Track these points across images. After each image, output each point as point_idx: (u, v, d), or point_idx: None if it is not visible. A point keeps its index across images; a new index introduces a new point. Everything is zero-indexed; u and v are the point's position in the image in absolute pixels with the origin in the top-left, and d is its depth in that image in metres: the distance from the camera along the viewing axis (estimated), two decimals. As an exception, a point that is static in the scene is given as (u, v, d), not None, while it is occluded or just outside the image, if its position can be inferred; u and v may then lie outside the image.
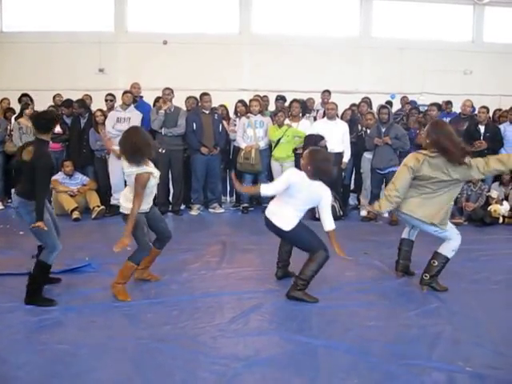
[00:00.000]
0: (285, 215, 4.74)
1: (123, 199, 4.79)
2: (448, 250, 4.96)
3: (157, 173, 4.77)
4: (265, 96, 10.28)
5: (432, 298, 4.83)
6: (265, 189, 4.75)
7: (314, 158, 4.64)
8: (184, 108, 8.92)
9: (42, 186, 4.49)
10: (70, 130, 8.84)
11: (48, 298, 4.63)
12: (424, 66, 16.22)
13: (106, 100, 8.87)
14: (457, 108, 10.11)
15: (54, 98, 9.96)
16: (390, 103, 10.85)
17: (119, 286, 4.73)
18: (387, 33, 17.22)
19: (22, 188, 4.58)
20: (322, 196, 4.68)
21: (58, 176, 8.40)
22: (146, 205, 4.78)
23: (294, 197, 4.66)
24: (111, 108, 8.72)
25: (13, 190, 4.70)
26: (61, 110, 9.10)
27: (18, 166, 4.68)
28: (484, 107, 8.86)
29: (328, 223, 4.77)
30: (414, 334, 4.05)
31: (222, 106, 9.72)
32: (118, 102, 8.82)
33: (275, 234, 4.93)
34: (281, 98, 10.00)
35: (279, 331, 4.08)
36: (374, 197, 8.25)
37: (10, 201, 9.05)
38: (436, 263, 4.96)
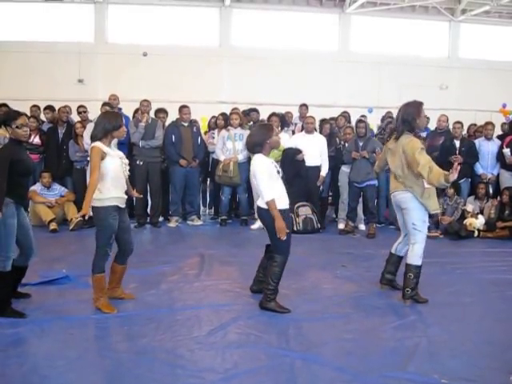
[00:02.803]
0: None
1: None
2: (416, 258, 5.01)
3: (117, 157, 4.72)
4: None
5: (408, 310, 4.88)
6: (269, 196, 4.67)
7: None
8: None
9: None
10: (48, 140, 8.80)
11: (18, 311, 4.54)
12: (401, 80, 16.48)
13: (80, 112, 8.84)
14: (433, 123, 10.25)
15: (31, 108, 9.84)
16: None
17: (100, 299, 4.70)
18: (365, 47, 17.51)
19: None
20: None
21: (36, 187, 8.35)
22: (117, 192, 4.69)
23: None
24: (86, 119, 8.70)
25: None
26: (44, 113, 9.21)
27: None
28: (458, 122, 9.01)
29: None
30: (391, 346, 4.08)
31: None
32: (97, 112, 8.79)
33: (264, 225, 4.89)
34: (254, 110, 9.99)
35: (257, 344, 4.08)
36: (352, 210, 8.34)
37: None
38: (412, 275, 5.02)
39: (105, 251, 4.69)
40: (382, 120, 10.65)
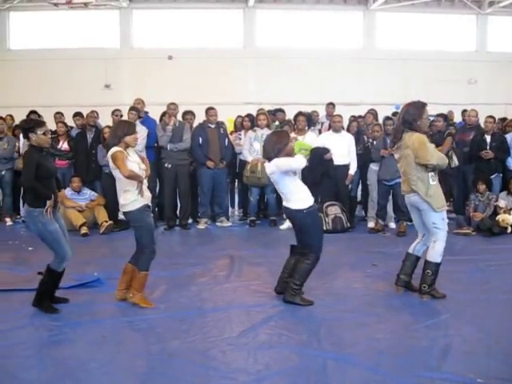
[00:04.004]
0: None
1: (120, 199, 4.84)
2: (436, 255, 4.97)
3: (135, 162, 4.81)
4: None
5: (441, 309, 4.81)
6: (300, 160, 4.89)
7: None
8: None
9: (26, 175, 4.58)
10: (77, 145, 8.91)
11: (53, 307, 4.73)
12: (428, 76, 16.30)
13: (116, 115, 8.91)
14: (460, 117, 10.14)
15: (54, 115, 9.90)
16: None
17: (139, 294, 4.81)
18: (391, 44, 17.32)
19: (26, 198, 4.72)
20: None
21: (67, 192, 8.47)
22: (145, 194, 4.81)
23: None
24: (118, 124, 8.77)
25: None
26: (75, 119, 9.35)
27: None
28: (491, 117, 8.88)
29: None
30: (424, 345, 4.03)
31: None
32: (125, 117, 8.87)
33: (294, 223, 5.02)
34: (280, 110, 9.99)
35: (289, 345, 4.07)
36: (381, 208, 8.26)
37: (18, 217, 9.13)
38: (430, 272, 4.98)
39: (153, 249, 4.83)
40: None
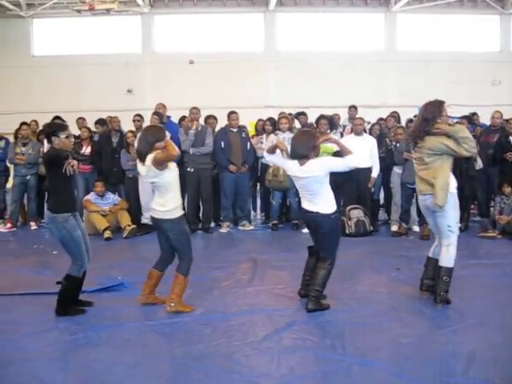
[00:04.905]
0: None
1: (156, 206, 4.78)
2: (451, 260, 4.90)
3: (175, 168, 4.84)
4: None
5: (467, 314, 4.73)
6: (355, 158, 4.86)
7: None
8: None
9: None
10: (101, 149, 8.99)
11: (79, 308, 4.80)
12: (451, 77, 16.14)
13: (134, 120, 8.99)
14: (485, 119, 10.00)
15: (77, 120, 9.99)
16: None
17: (177, 301, 4.79)
18: (413, 46, 17.19)
19: (49, 203, 4.74)
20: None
21: (90, 196, 8.56)
22: (180, 200, 4.90)
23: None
24: (139, 128, 8.84)
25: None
26: (96, 127, 9.44)
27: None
28: (514, 118, 8.75)
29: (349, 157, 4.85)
30: (450, 351, 3.99)
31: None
32: (147, 122, 8.93)
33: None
34: (302, 114, 9.98)
35: (313, 349, 4.05)
36: (405, 211, 8.19)
37: (42, 221, 9.23)
38: (448, 278, 4.89)
39: (191, 255, 4.86)
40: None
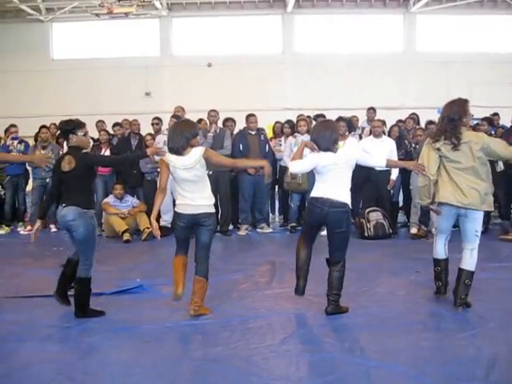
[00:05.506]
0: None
1: (200, 200, 4.71)
2: (474, 264, 4.84)
3: None
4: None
5: (487, 317, 4.67)
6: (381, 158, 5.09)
7: None
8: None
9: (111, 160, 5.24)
10: (121, 152, 9.04)
11: (97, 310, 4.80)
12: (471, 78, 15.98)
13: (153, 124, 9.04)
14: (506, 121, 9.90)
15: (96, 123, 10.13)
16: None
17: (201, 304, 4.77)
18: (431, 46, 17.07)
19: (75, 200, 4.62)
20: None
21: (109, 199, 8.62)
22: None
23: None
24: (158, 131, 8.89)
25: (62, 206, 4.63)
26: (114, 130, 9.57)
27: (60, 179, 4.73)
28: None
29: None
30: (470, 354, 3.94)
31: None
32: (165, 125, 8.98)
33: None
34: (321, 116, 9.93)
35: (331, 352, 4.03)
36: (424, 213, 8.13)
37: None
38: (470, 282, 4.83)
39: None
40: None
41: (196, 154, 4.62)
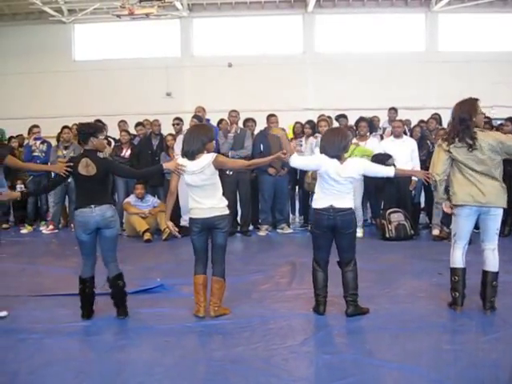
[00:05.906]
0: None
1: (212, 203, 4.71)
2: (497, 265, 4.75)
3: None
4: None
5: (511, 321, 4.62)
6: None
7: None
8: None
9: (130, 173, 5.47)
10: (142, 152, 9.10)
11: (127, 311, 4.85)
12: (494, 78, 15.76)
13: (174, 124, 9.07)
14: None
15: (118, 123, 10.22)
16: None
17: (220, 304, 4.80)
18: (454, 46, 16.89)
19: (105, 199, 4.76)
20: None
21: (130, 199, 8.67)
22: None
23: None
24: (179, 131, 8.92)
25: (93, 206, 4.62)
26: (137, 129, 9.66)
27: (75, 181, 4.82)
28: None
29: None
30: (493, 358, 3.87)
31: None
32: (186, 125, 9.00)
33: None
34: (343, 116, 9.89)
35: (352, 354, 4.01)
36: (447, 215, 8.03)
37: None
38: (496, 283, 4.74)
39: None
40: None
41: (205, 160, 4.65)
